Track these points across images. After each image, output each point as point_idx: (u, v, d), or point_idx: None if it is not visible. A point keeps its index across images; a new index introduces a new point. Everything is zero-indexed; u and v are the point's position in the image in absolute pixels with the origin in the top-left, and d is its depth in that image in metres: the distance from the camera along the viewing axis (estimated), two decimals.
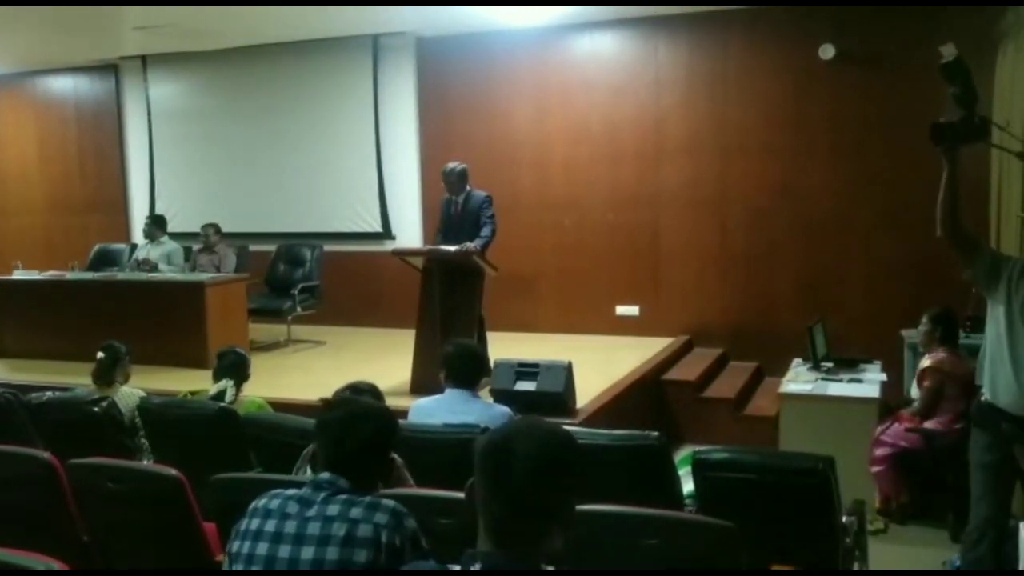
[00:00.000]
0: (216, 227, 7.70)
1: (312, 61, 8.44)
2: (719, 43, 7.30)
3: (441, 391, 3.75)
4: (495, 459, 1.49)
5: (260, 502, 1.99)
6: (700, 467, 2.95)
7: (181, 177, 9.21)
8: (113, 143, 9.63)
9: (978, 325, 3.40)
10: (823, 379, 5.24)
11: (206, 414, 3.81)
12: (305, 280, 7.68)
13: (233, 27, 7.77)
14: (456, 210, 5.91)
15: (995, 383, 3.15)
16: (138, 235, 8.80)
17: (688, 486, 3.08)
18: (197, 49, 8.66)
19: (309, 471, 2.78)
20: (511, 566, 1.47)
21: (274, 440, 3.49)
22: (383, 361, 6.39)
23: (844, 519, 2.97)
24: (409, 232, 8.28)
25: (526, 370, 4.85)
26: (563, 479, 1.50)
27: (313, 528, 1.90)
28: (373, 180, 8.40)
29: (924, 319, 4.86)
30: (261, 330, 7.55)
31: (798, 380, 5.27)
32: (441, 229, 6.01)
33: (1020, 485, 3.40)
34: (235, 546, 1.95)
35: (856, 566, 3.08)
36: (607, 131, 7.67)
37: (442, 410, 3.62)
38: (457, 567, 1.51)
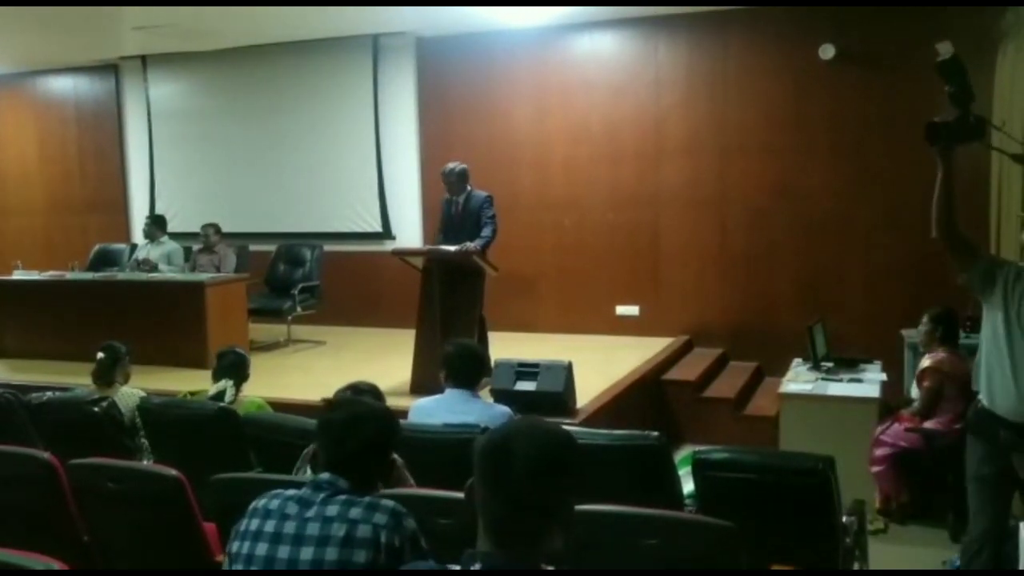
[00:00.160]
0: (216, 227, 7.70)
1: (312, 61, 8.45)
2: (719, 43, 7.30)
3: (441, 391, 3.75)
4: (494, 459, 1.49)
5: (260, 502, 1.99)
6: (700, 467, 2.95)
7: (181, 177, 9.21)
8: (113, 143, 9.63)
9: (978, 325, 3.37)
10: (823, 379, 5.25)
11: (206, 414, 3.81)
12: (305, 280, 7.68)
13: (233, 27, 7.77)
14: (457, 210, 5.90)
15: (992, 389, 3.11)
16: (138, 235, 8.80)
17: (688, 486, 3.08)
18: (197, 49, 8.66)
19: (309, 471, 2.78)
20: (511, 566, 1.47)
21: (274, 440, 3.49)
22: (383, 361, 6.39)
23: (844, 519, 2.97)
24: (409, 232, 8.28)
25: (526, 370, 4.85)
26: (562, 479, 1.50)
27: (312, 529, 1.90)
28: (373, 180, 8.40)
29: (924, 319, 4.86)
30: (261, 330, 7.55)
31: (798, 380, 5.27)
32: (442, 229, 6.00)
33: (1019, 494, 3.33)
34: (235, 546, 1.95)
35: (856, 566, 3.08)
36: (607, 131, 7.67)
37: (442, 410, 3.62)
38: (457, 567, 1.51)
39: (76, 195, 9.86)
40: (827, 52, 6.87)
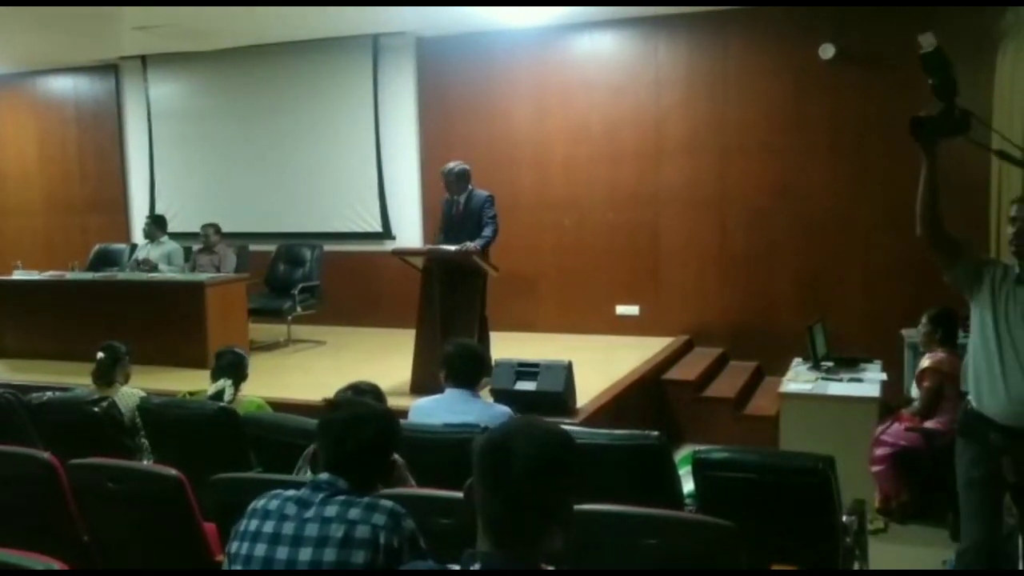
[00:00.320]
0: (216, 227, 7.70)
1: (312, 61, 8.44)
2: (719, 43, 7.30)
3: (441, 391, 3.75)
4: (493, 459, 1.49)
5: (259, 503, 1.99)
6: (700, 467, 2.95)
7: (181, 177, 9.21)
8: (113, 143, 9.63)
9: None
10: (823, 379, 5.24)
11: (206, 414, 3.81)
12: (305, 280, 7.67)
13: (233, 27, 7.77)
14: (458, 210, 5.89)
15: (980, 390, 3.03)
16: (138, 235, 8.80)
17: (688, 486, 3.08)
18: (197, 49, 8.66)
19: (309, 471, 2.78)
20: (511, 566, 1.47)
21: (274, 440, 3.48)
22: (383, 361, 6.38)
23: (844, 518, 2.97)
24: (409, 232, 8.28)
25: (526, 370, 4.85)
26: (561, 479, 1.50)
27: (311, 529, 1.90)
28: (373, 180, 8.40)
29: (923, 320, 4.85)
30: (261, 330, 7.55)
31: (798, 380, 5.27)
32: (443, 229, 5.99)
33: (1012, 498, 3.17)
34: (234, 547, 1.95)
35: (856, 566, 3.08)
36: (607, 131, 7.67)
37: (442, 410, 3.62)
38: (457, 567, 1.51)
39: (76, 195, 9.86)
40: (827, 52, 6.87)
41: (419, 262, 5.79)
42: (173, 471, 2.79)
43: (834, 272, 7.07)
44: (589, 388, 5.41)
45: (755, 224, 7.26)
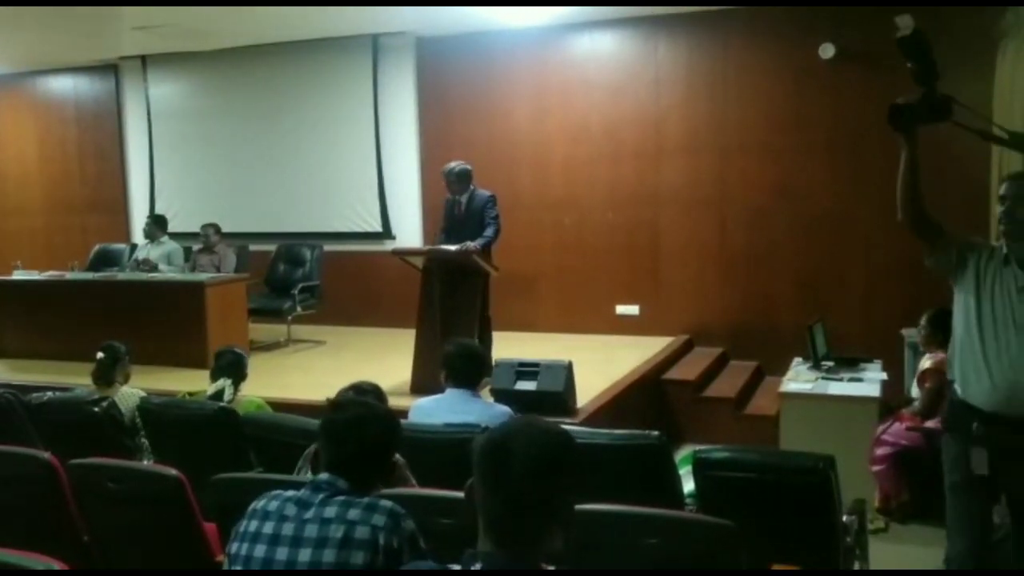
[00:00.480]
0: (216, 227, 7.70)
1: (312, 61, 8.44)
2: (719, 42, 7.30)
3: (441, 391, 3.75)
4: (493, 459, 1.49)
5: (259, 503, 1.99)
6: (700, 466, 2.94)
7: (181, 177, 9.21)
8: (113, 143, 9.63)
9: None
10: (823, 378, 5.24)
11: (206, 414, 3.81)
12: (305, 280, 7.67)
13: (233, 27, 7.77)
14: (459, 210, 5.89)
15: (965, 376, 2.93)
16: (138, 235, 8.80)
17: (688, 485, 3.08)
18: (197, 49, 8.66)
19: (309, 472, 2.78)
20: (511, 566, 1.47)
21: (274, 440, 3.48)
22: (383, 361, 6.38)
23: (844, 518, 2.96)
24: (409, 232, 8.28)
25: (526, 370, 4.85)
26: (561, 478, 1.50)
27: (311, 530, 1.90)
28: (373, 180, 8.39)
29: (923, 321, 4.85)
30: (261, 330, 7.55)
31: (798, 379, 5.27)
32: (444, 228, 5.98)
33: (1007, 501, 3.02)
34: (233, 547, 1.95)
35: (856, 565, 3.08)
36: (607, 131, 7.67)
37: (442, 410, 3.62)
38: (457, 567, 1.51)
39: (76, 195, 9.86)
40: (827, 51, 6.87)
41: (419, 262, 5.79)
42: (173, 471, 2.79)
43: (834, 272, 7.07)
44: (589, 388, 5.41)
45: (755, 224, 7.26)
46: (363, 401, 2.60)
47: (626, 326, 7.59)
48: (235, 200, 8.81)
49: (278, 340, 7.56)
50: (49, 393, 4.48)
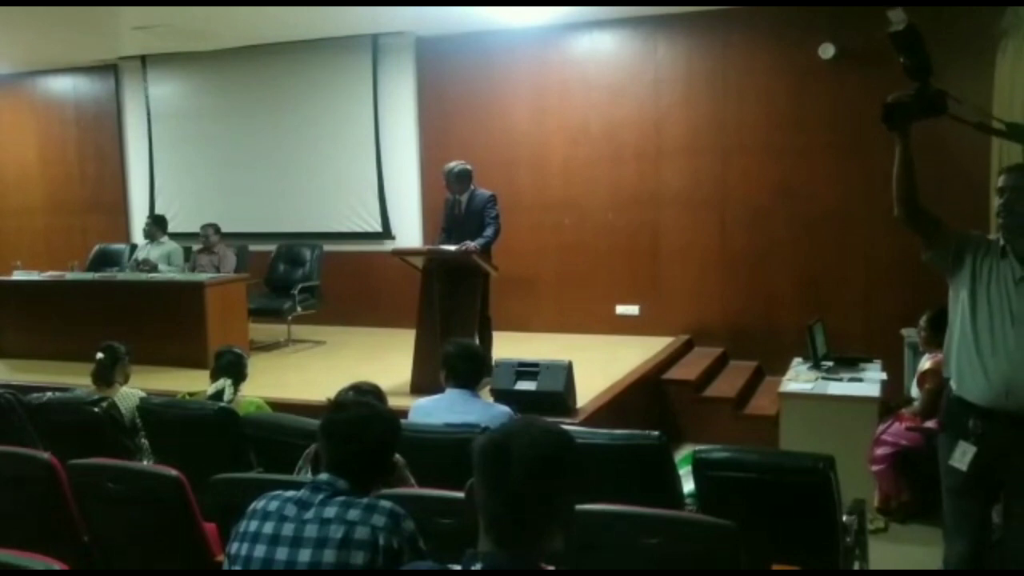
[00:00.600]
0: (216, 227, 7.70)
1: (312, 61, 8.44)
2: (719, 42, 7.30)
3: (441, 391, 3.75)
4: (493, 459, 1.49)
5: (259, 504, 1.99)
6: (700, 466, 2.94)
7: (181, 177, 9.21)
8: (113, 143, 9.63)
9: None
10: (823, 378, 5.24)
11: (206, 414, 3.81)
12: (305, 280, 7.68)
13: (233, 27, 7.77)
14: (460, 210, 5.89)
15: (961, 371, 2.90)
16: (138, 235, 8.80)
17: (688, 485, 3.08)
18: (197, 49, 8.66)
19: (310, 472, 2.78)
20: (511, 566, 1.47)
21: (274, 440, 3.49)
22: (383, 361, 6.39)
23: (844, 518, 2.96)
24: (409, 232, 8.28)
25: (526, 370, 4.84)
26: (562, 478, 1.50)
27: (310, 530, 1.90)
28: (373, 180, 8.39)
29: (922, 323, 4.84)
30: (261, 330, 7.55)
31: (798, 379, 5.27)
32: (444, 228, 5.98)
33: (1005, 499, 2.98)
34: (233, 548, 1.95)
35: (856, 565, 3.08)
36: (607, 131, 7.67)
37: (442, 410, 3.62)
38: (457, 567, 1.51)
39: (76, 195, 9.86)
40: (827, 51, 6.87)
41: (419, 262, 5.79)
42: (173, 471, 2.79)
43: (834, 272, 7.07)
44: (589, 388, 5.41)
45: (755, 224, 7.26)
46: (363, 401, 2.60)
47: (626, 326, 7.59)
48: (235, 200, 8.81)
49: (278, 340, 7.56)
50: (49, 393, 4.48)
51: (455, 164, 5.93)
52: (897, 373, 5.88)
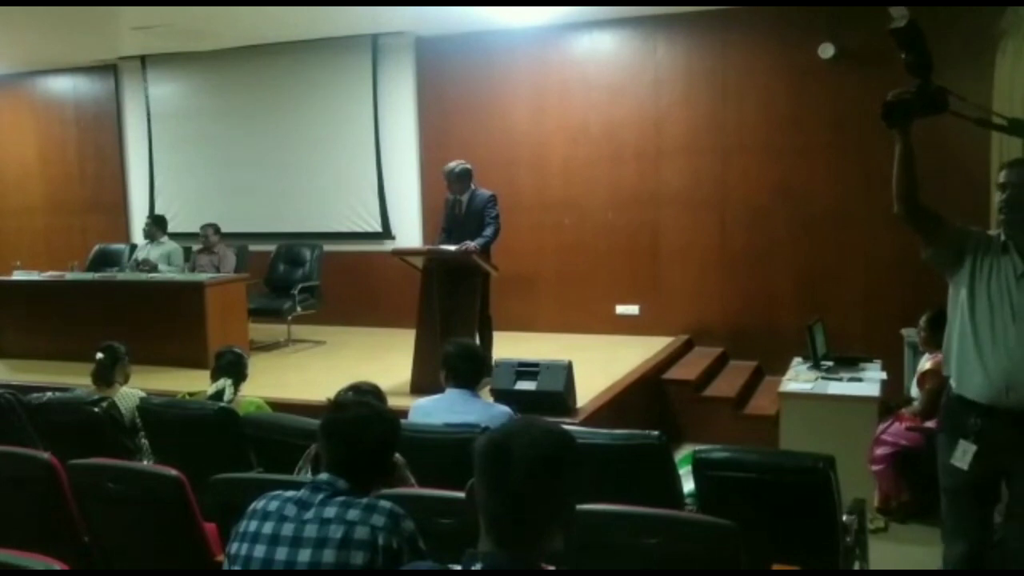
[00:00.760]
0: (215, 227, 7.71)
1: (312, 61, 8.44)
2: (718, 42, 7.30)
3: (441, 391, 3.75)
4: (494, 459, 1.49)
5: (259, 504, 1.99)
6: (700, 466, 2.94)
7: (181, 177, 9.21)
8: (113, 143, 9.63)
9: None
10: (823, 378, 5.24)
11: (206, 414, 3.81)
12: (305, 280, 7.68)
13: (232, 27, 7.77)
14: (460, 209, 5.89)
15: (962, 371, 2.88)
16: (138, 235, 8.80)
17: (688, 485, 3.08)
18: (196, 49, 8.66)
19: (310, 472, 2.78)
20: (512, 566, 1.47)
21: (274, 440, 3.49)
22: (383, 361, 6.39)
23: (844, 518, 2.96)
24: (409, 232, 8.29)
25: (526, 369, 4.84)
26: (562, 479, 1.50)
27: (310, 531, 1.90)
28: (373, 180, 8.39)
29: (921, 323, 4.84)
30: (261, 330, 7.55)
31: (798, 379, 5.27)
32: (445, 228, 5.98)
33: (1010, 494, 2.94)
34: (233, 548, 1.95)
35: (856, 565, 3.08)
36: (607, 131, 7.67)
37: (442, 410, 3.62)
38: (458, 567, 1.51)
39: (76, 195, 9.86)
40: (826, 51, 6.87)
41: (419, 262, 5.80)
42: (173, 471, 2.78)
43: (834, 271, 7.07)
44: (589, 388, 5.41)
45: (755, 224, 7.26)
46: (363, 401, 2.60)
47: (626, 326, 7.59)
48: (235, 200, 8.81)
49: (278, 340, 7.56)
50: (49, 393, 4.48)
51: (455, 164, 5.93)
52: (897, 373, 5.88)
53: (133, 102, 9.45)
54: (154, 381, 5.54)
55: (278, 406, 4.42)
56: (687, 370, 6.71)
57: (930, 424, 4.62)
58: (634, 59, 7.59)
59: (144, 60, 9.18)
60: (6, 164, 10.20)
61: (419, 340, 5.64)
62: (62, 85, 9.89)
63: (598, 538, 2.27)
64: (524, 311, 7.71)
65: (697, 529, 2.35)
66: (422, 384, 5.28)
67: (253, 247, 8.05)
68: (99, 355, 4.50)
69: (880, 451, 4.70)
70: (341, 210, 8.51)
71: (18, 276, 7.50)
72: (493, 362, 4.94)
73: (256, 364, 5.15)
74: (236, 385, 4.22)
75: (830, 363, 5.45)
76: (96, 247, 8.46)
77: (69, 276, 7.43)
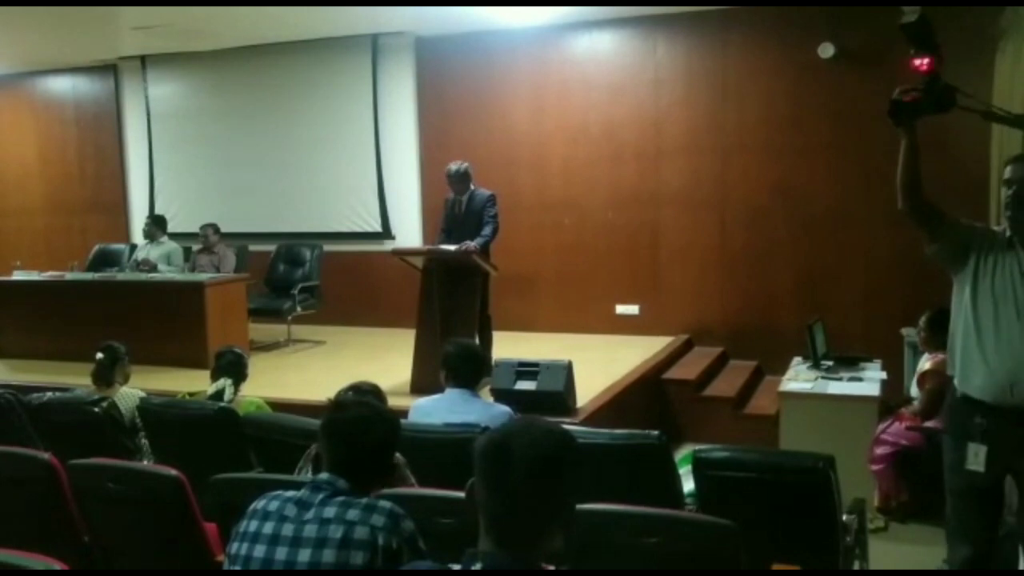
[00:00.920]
0: (215, 227, 7.71)
1: (312, 61, 8.44)
2: (718, 42, 7.30)
3: (441, 391, 3.75)
4: (494, 459, 1.49)
5: (259, 504, 1.99)
6: (700, 466, 2.95)
7: (180, 177, 9.21)
8: (112, 143, 9.63)
9: None
10: (823, 378, 5.24)
11: (206, 414, 3.81)
12: (305, 280, 7.67)
13: (232, 27, 7.77)
14: (460, 209, 5.91)
15: (965, 369, 2.86)
16: (138, 235, 8.80)
17: (688, 485, 3.08)
18: (196, 49, 8.66)
19: (310, 472, 2.78)
20: (512, 566, 1.47)
21: (274, 440, 3.49)
22: (383, 361, 6.39)
23: (844, 517, 2.96)
24: (409, 232, 8.29)
25: (526, 369, 4.85)
26: (562, 478, 1.50)
27: (310, 530, 1.90)
28: (373, 180, 8.39)
29: (921, 322, 4.83)
30: (261, 330, 7.55)
31: (798, 379, 5.27)
32: (444, 228, 6.00)
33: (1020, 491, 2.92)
34: (233, 548, 1.95)
35: (856, 565, 3.08)
36: (606, 130, 7.67)
37: (442, 410, 3.62)
38: (457, 567, 1.51)
39: (76, 195, 9.86)
40: (826, 51, 6.87)
41: (419, 262, 5.80)
42: (173, 471, 2.79)
43: (834, 271, 7.07)
44: (589, 388, 5.41)
45: (755, 223, 7.26)
46: (364, 401, 2.60)
47: (626, 326, 7.59)
48: (235, 200, 8.81)
49: (278, 340, 7.56)
50: (49, 393, 4.48)
51: (458, 164, 5.95)
52: (897, 373, 5.88)
53: (133, 102, 9.45)
54: (154, 381, 5.54)
55: (278, 406, 4.42)
56: (687, 370, 6.71)
57: (930, 424, 4.63)
58: (634, 59, 7.59)
59: (144, 60, 9.18)
60: (6, 164, 10.20)
61: (419, 340, 5.64)
62: (62, 85, 9.89)
63: (598, 538, 2.27)
64: (524, 311, 7.71)
65: (697, 529, 2.35)
66: (422, 384, 5.28)
67: (253, 247, 8.05)
68: (99, 355, 4.50)
69: (880, 451, 4.70)
70: (341, 210, 8.51)
71: (18, 276, 7.50)
72: (493, 362, 4.94)
73: (256, 364, 5.14)
74: (236, 385, 4.22)
75: (830, 363, 5.45)
76: (96, 247, 8.46)
77: (69, 276, 7.43)
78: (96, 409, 3.98)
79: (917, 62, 2.79)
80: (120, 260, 8.14)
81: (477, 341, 5.18)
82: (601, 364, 6.20)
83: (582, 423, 4.63)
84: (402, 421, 2.77)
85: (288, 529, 1.91)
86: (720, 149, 7.34)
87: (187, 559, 2.78)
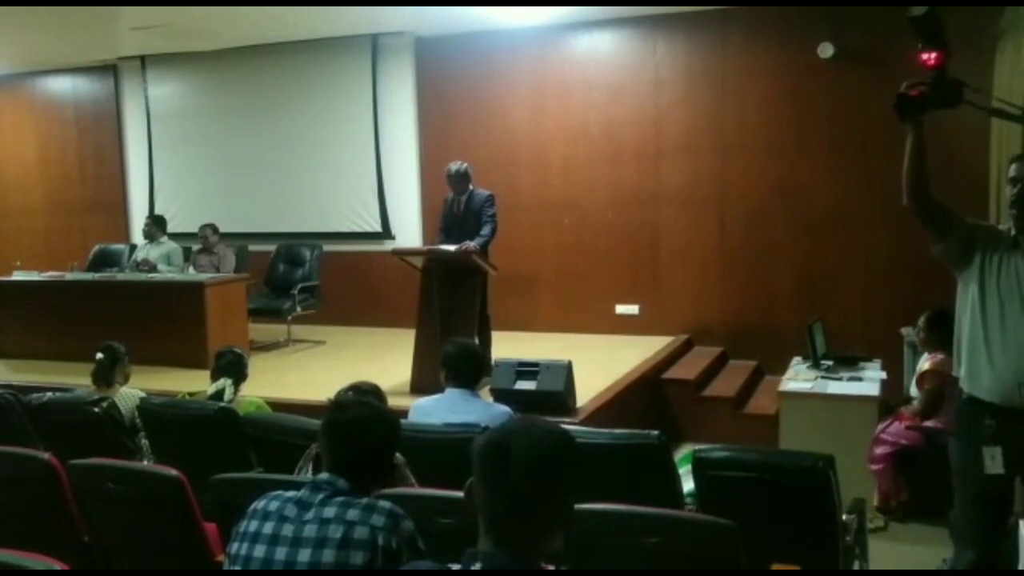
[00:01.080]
0: (214, 227, 7.70)
1: (311, 61, 8.44)
2: (718, 42, 7.30)
3: (441, 391, 3.75)
4: (493, 458, 1.49)
5: (259, 504, 1.99)
6: (700, 466, 2.95)
7: (180, 177, 9.21)
8: (112, 143, 9.63)
9: None
10: (823, 377, 5.24)
11: (206, 414, 3.81)
12: (305, 280, 7.67)
13: (232, 27, 7.77)
14: (459, 209, 5.92)
15: (972, 370, 2.84)
16: (138, 235, 8.80)
17: (688, 485, 3.08)
18: (196, 49, 8.66)
19: (310, 472, 2.78)
20: (511, 566, 1.47)
21: (274, 440, 3.49)
22: (383, 361, 6.39)
23: (844, 517, 2.97)
24: (409, 232, 8.29)
25: (526, 369, 4.85)
26: (561, 478, 1.50)
27: (310, 531, 1.90)
28: (373, 180, 8.40)
29: (920, 322, 4.83)
30: (261, 330, 7.55)
31: (798, 379, 5.27)
32: (443, 228, 6.01)
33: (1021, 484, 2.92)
34: (233, 548, 1.95)
35: (856, 565, 3.08)
36: (606, 130, 7.67)
37: (442, 410, 3.62)
38: (457, 567, 1.51)
39: (76, 195, 9.86)
40: (826, 51, 6.87)
41: (419, 262, 5.80)
42: (173, 471, 2.79)
43: (834, 271, 7.07)
44: (589, 387, 5.41)
45: (755, 223, 7.26)
46: (364, 401, 2.60)
47: (626, 326, 7.59)
48: (235, 200, 8.81)
49: (278, 340, 7.56)
50: (49, 393, 4.48)
51: (457, 165, 5.96)
52: (897, 372, 5.88)
53: (133, 102, 9.45)
54: (154, 381, 5.54)
55: (278, 406, 4.42)
56: (687, 370, 6.71)
57: (929, 423, 4.63)
58: (634, 59, 7.59)
59: (144, 60, 9.18)
60: (6, 164, 10.20)
61: (419, 340, 5.65)
62: (62, 85, 9.89)
63: (598, 538, 2.27)
64: (524, 311, 7.71)
65: (697, 529, 2.35)
66: (422, 384, 5.28)
67: (253, 247, 8.05)
68: (99, 355, 4.51)
69: (880, 450, 4.70)
70: (341, 210, 8.51)
71: (18, 276, 7.50)
72: (493, 362, 4.94)
73: (256, 364, 5.14)
74: (236, 385, 4.23)
75: (830, 363, 5.46)
76: (96, 247, 8.46)
77: (69, 276, 7.43)
78: (96, 409, 3.98)
79: (925, 56, 2.77)
80: (120, 260, 8.14)
81: (477, 341, 5.19)
82: (601, 364, 6.20)
83: (582, 423, 4.63)
84: (402, 421, 2.77)
85: (288, 529, 1.91)
86: (720, 149, 7.34)
87: (187, 559, 2.78)
